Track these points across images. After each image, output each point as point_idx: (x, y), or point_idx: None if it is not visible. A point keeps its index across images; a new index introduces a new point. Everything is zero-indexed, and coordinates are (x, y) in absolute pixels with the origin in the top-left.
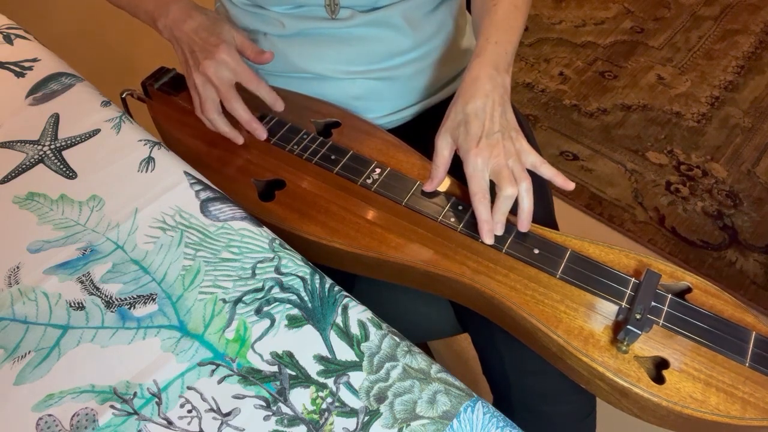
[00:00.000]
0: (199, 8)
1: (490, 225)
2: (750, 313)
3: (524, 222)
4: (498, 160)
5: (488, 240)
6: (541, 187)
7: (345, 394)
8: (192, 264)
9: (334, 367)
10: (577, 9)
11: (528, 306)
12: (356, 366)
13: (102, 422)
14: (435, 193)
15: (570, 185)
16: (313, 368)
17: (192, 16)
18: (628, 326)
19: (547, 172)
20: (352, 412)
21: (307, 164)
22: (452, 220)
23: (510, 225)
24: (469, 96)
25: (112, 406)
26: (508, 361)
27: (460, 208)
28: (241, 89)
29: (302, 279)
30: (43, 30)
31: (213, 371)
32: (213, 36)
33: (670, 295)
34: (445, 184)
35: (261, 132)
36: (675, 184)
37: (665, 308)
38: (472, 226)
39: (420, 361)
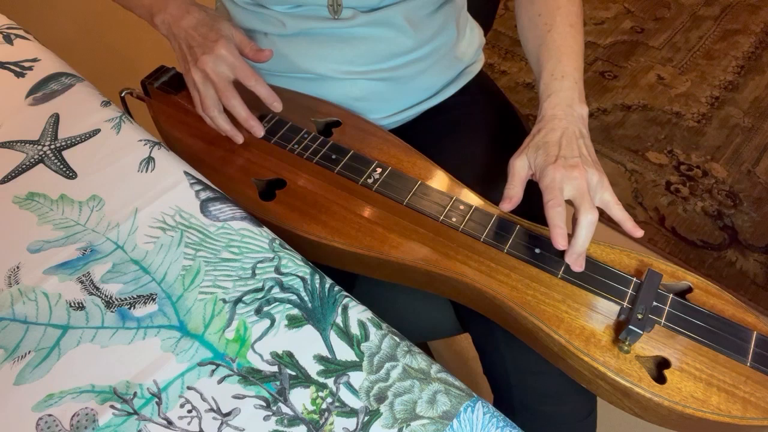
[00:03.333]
0: (198, 5)
1: (563, 230)
2: (751, 312)
3: (574, 257)
4: (579, 182)
5: (560, 245)
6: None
7: (345, 394)
8: (192, 264)
9: (334, 367)
10: None
11: (529, 306)
12: (356, 366)
13: (102, 422)
14: (436, 193)
15: (639, 233)
16: (313, 368)
17: (191, 12)
18: (630, 326)
19: (619, 214)
20: (352, 412)
21: (307, 164)
22: (453, 219)
23: (511, 223)
24: (548, 129)
25: (112, 406)
26: (508, 360)
27: (462, 207)
28: (241, 88)
29: (302, 279)
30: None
31: (213, 371)
32: (212, 32)
33: (671, 295)
34: (444, 184)
35: (258, 129)
36: (675, 184)
37: (667, 308)
38: (474, 226)
39: (420, 361)
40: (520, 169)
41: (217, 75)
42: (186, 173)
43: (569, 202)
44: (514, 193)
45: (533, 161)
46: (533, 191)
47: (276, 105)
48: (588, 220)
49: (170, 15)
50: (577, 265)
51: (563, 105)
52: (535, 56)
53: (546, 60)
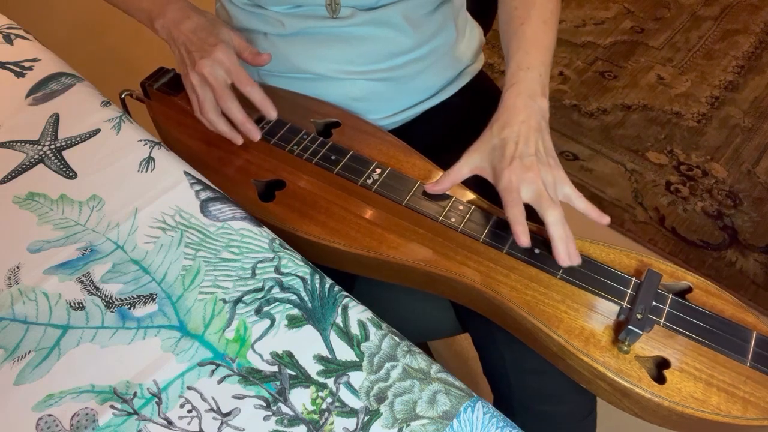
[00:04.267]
0: (197, 9)
1: (524, 227)
2: (751, 312)
3: (561, 255)
4: (536, 185)
5: (524, 243)
6: None
7: (345, 394)
8: (192, 264)
9: (334, 367)
10: (577, 9)
11: (529, 306)
12: (356, 366)
13: (102, 422)
14: (435, 194)
15: (606, 219)
16: (313, 368)
17: (190, 17)
18: (630, 326)
19: (582, 205)
20: (352, 412)
21: (307, 164)
22: (453, 220)
23: None
24: (504, 122)
25: (112, 406)
26: (508, 360)
27: (461, 208)
28: (239, 92)
29: (302, 279)
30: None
31: (213, 371)
32: (211, 36)
33: (671, 295)
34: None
35: (255, 133)
36: (675, 184)
37: (666, 308)
38: (473, 227)
39: (420, 361)
40: (463, 165)
41: (214, 79)
42: (186, 173)
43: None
44: (443, 181)
45: (489, 161)
46: None
47: (271, 112)
48: (554, 218)
49: (170, 19)
50: (573, 261)
51: (524, 96)
52: (507, 48)
53: (515, 51)
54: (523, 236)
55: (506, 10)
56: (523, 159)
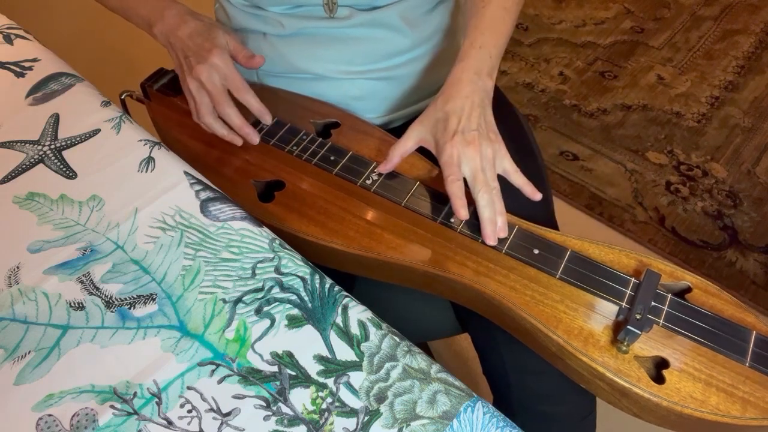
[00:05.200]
0: (194, 14)
1: (463, 201)
2: (750, 312)
3: (488, 233)
4: (474, 162)
5: (461, 215)
6: (541, 187)
7: (345, 394)
8: (192, 264)
9: (334, 367)
10: (577, 9)
11: (528, 306)
12: (356, 366)
13: (102, 422)
14: (435, 194)
15: (537, 195)
16: (313, 368)
17: (186, 22)
18: (629, 326)
19: (518, 180)
20: (352, 412)
21: (306, 165)
22: (452, 220)
23: (510, 224)
24: (449, 96)
25: (112, 406)
26: (508, 361)
27: None
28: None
29: (302, 279)
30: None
31: (213, 371)
32: (207, 41)
33: (670, 295)
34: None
35: (253, 137)
36: (675, 184)
37: (665, 308)
38: (474, 227)
39: (420, 361)
40: (409, 138)
41: (211, 84)
42: (186, 173)
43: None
44: (392, 155)
45: (432, 133)
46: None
47: (266, 118)
48: (484, 201)
49: (167, 25)
50: (500, 234)
51: (470, 72)
52: (465, 27)
53: (471, 31)
54: (462, 209)
55: None
56: (465, 134)
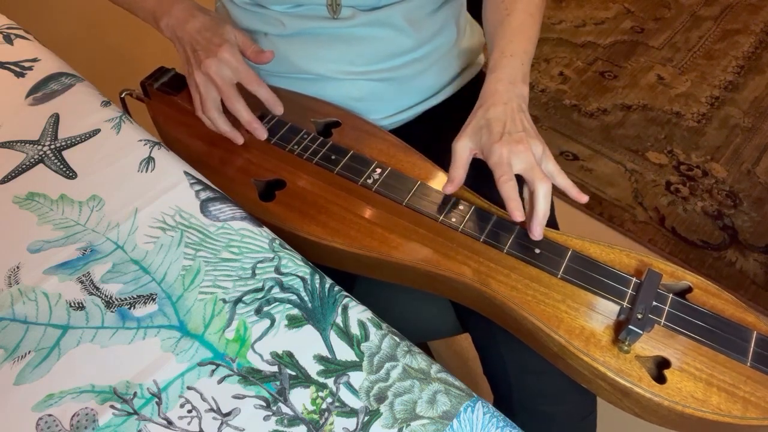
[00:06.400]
0: (202, 8)
1: (518, 203)
2: (751, 312)
3: (537, 228)
4: (526, 155)
5: (518, 217)
6: None
7: (345, 394)
8: (192, 264)
9: (334, 367)
10: (577, 9)
11: (529, 306)
12: (356, 366)
13: (102, 422)
14: (435, 193)
15: (584, 198)
16: (313, 368)
17: (195, 16)
18: (630, 326)
19: (563, 182)
20: (352, 412)
21: (307, 164)
22: (453, 220)
23: (512, 224)
24: (490, 104)
25: (112, 406)
26: (508, 360)
27: (461, 208)
28: (241, 90)
29: (302, 279)
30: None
31: (213, 371)
32: (216, 36)
33: (671, 295)
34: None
35: (261, 132)
36: (675, 184)
37: (666, 308)
38: (473, 227)
39: (420, 361)
40: (461, 151)
41: (220, 78)
42: (186, 173)
43: (519, 178)
44: (455, 175)
45: (477, 141)
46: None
47: (278, 108)
48: (544, 190)
49: (175, 18)
50: (538, 233)
51: (506, 81)
52: (491, 37)
53: (500, 39)
54: (517, 212)
55: (492, 3)
56: (512, 134)
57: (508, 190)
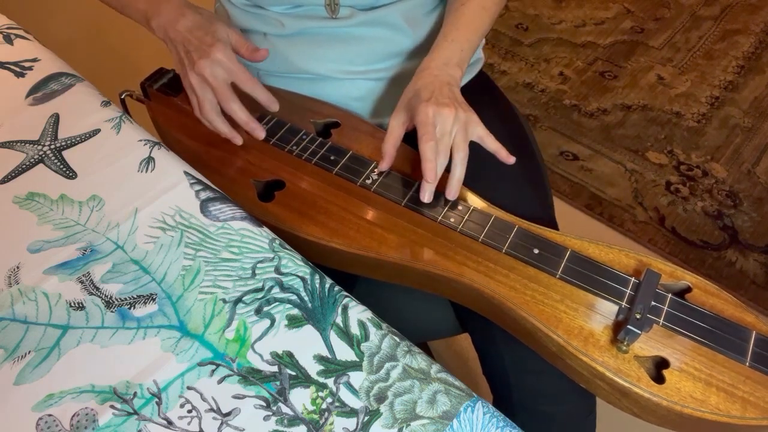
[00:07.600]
0: (193, 6)
1: (433, 164)
2: (750, 312)
3: (453, 189)
4: (451, 119)
5: (430, 178)
6: (541, 187)
7: (345, 394)
8: (192, 264)
9: (334, 367)
10: (577, 9)
11: (528, 306)
12: (356, 366)
13: (102, 422)
14: (436, 194)
15: (511, 159)
16: (313, 368)
17: (185, 15)
18: (629, 326)
19: (493, 145)
20: (352, 412)
21: (306, 165)
22: (452, 220)
23: (510, 224)
24: (417, 78)
25: (112, 406)
26: (508, 361)
27: (460, 208)
28: (238, 91)
29: (302, 279)
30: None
31: (213, 371)
32: (208, 35)
33: (670, 295)
34: (443, 185)
35: (259, 132)
36: (675, 184)
37: (665, 308)
38: (472, 227)
39: (420, 361)
40: (395, 126)
41: (215, 79)
42: (186, 173)
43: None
44: (386, 149)
45: (409, 111)
46: (516, 184)
47: (274, 106)
48: (460, 156)
49: (165, 18)
50: (452, 195)
51: (439, 62)
52: (443, 23)
53: (447, 25)
54: (430, 173)
55: None
56: (440, 99)
57: (426, 150)
